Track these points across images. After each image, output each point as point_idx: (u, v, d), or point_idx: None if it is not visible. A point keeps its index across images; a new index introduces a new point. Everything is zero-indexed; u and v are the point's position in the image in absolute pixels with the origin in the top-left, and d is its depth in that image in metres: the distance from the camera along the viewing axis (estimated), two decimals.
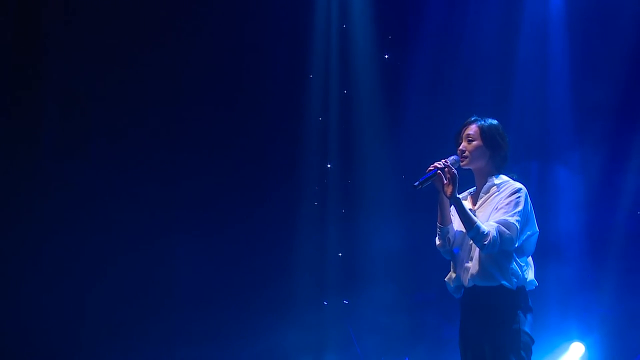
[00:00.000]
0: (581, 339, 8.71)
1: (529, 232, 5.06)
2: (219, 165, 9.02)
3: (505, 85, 8.99)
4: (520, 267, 5.02)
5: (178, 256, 8.87)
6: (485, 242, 4.90)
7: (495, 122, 5.22)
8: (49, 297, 8.48)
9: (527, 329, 5.02)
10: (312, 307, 9.10)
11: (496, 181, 5.13)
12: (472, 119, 5.23)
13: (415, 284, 9.11)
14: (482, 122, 5.19)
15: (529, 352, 5.03)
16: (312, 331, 9.01)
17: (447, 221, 5.15)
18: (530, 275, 5.09)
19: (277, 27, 9.17)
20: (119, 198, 8.71)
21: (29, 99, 8.65)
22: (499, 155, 5.17)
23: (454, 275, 5.18)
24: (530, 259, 5.13)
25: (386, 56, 9.26)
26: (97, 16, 8.76)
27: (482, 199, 5.15)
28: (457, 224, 5.14)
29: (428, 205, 8.28)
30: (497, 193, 5.08)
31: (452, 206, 5.13)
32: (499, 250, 4.94)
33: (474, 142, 5.13)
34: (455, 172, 5.02)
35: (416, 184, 4.98)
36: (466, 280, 5.07)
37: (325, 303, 9.11)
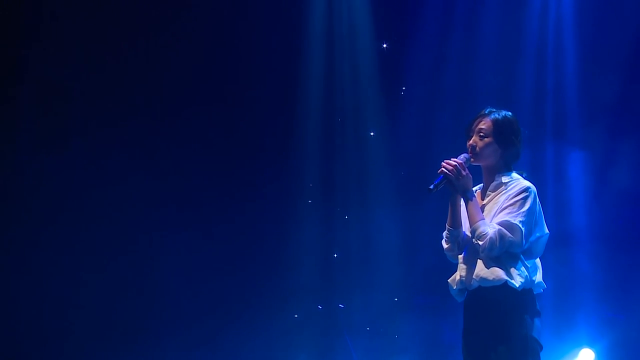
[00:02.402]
0: (590, 345, 8.67)
1: (538, 234, 4.96)
2: (208, 161, 8.98)
3: (508, 78, 8.99)
4: (527, 268, 4.92)
5: (165, 255, 8.84)
6: (481, 243, 4.84)
7: (510, 115, 5.09)
8: (29, 299, 8.53)
9: (535, 334, 4.91)
10: (305, 309, 9.09)
11: (504, 179, 5.03)
12: (486, 111, 5.08)
13: (414, 287, 9.10)
14: (497, 116, 5.05)
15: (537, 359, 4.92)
16: (305, 334, 9.00)
17: (457, 224, 5.04)
18: (537, 277, 5.00)
19: (271, 16, 9.15)
20: (102, 195, 8.69)
21: (6, 91, 8.63)
22: (510, 153, 5.06)
23: (458, 277, 5.07)
24: (538, 261, 5.03)
25: (384, 45, 9.20)
26: (80, 5, 8.77)
27: (489, 197, 5.05)
28: (466, 227, 5.06)
29: (428, 204, 8.54)
30: (505, 191, 4.99)
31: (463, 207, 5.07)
32: (499, 253, 4.85)
33: (486, 139, 5.01)
34: (468, 172, 4.97)
35: (431, 187, 4.93)
36: (470, 281, 4.97)
37: (319, 307, 9.09)
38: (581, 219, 8.73)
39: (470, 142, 5.05)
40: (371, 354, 8.99)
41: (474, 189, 5.08)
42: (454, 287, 5.08)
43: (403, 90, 9.15)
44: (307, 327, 9.03)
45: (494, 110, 5.07)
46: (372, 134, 9.21)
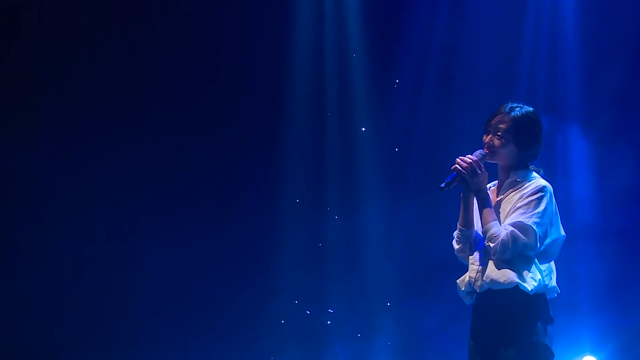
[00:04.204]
0: (594, 352, 8.61)
1: (554, 236, 4.93)
2: (193, 157, 8.92)
3: (507, 70, 8.93)
4: (541, 272, 4.87)
5: (147, 252, 8.80)
6: (492, 245, 4.79)
7: (531, 113, 5.00)
8: (6, 297, 8.53)
9: (546, 341, 4.87)
10: (292, 311, 9.04)
11: (520, 177, 4.98)
12: (507, 108, 5.00)
13: (408, 290, 9.01)
14: (517, 115, 4.96)
15: None
16: (292, 337, 8.97)
17: (470, 224, 5.00)
18: (551, 281, 4.96)
19: (258, 8, 9.10)
20: (76, 191, 8.66)
21: None
22: (529, 154, 5.02)
23: (467, 278, 5.01)
24: (552, 264, 4.99)
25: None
26: None
27: (504, 195, 5.00)
28: (478, 226, 5.03)
29: (424, 203, 8.58)
30: (519, 190, 4.94)
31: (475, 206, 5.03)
32: (512, 256, 4.81)
33: (504, 140, 4.95)
34: (484, 169, 4.92)
35: (442, 185, 4.89)
36: (480, 283, 4.92)
37: (307, 312, 9.05)
38: (584, 218, 8.66)
39: (487, 139, 4.98)
40: None
41: (487, 185, 5.03)
42: (462, 289, 5.03)
43: (396, 83, 9.08)
44: (294, 330, 8.99)
45: (516, 106, 4.99)
46: (363, 129, 9.14)
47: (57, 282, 8.54)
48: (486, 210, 4.86)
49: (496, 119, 4.96)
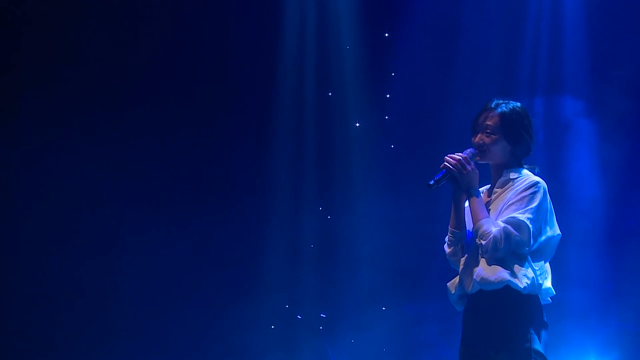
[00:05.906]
0: (599, 358, 8.53)
1: (549, 234, 4.84)
2: (180, 154, 8.91)
3: (511, 63, 8.90)
4: (535, 270, 4.78)
5: (131, 257, 8.80)
6: (484, 243, 4.73)
7: (519, 108, 4.97)
8: None
9: (540, 348, 4.77)
10: (283, 318, 9.02)
11: (512, 175, 4.94)
12: (493, 104, 4.95)
13: (403, 293, 8.94)
14: (504, 109, 4.92)
15: None
16: (283, 346, 8.94)
17: (461, 225, 4.94)
18: (545, 283, 4.87)
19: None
20: (63, 192, 8.64)
21: None
22: (521, 148, 4.97)
23: (457, 280, 4.96)
24: (547, 265, 4.91)
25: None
26: None
27: (496, 194, 4.95)
28: (470, 227, 4.98)
29: (420, 203, 8.50)
30: (512, 187, 4.89)
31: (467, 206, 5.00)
32: (504, 254, 4.73)
33: (494, 136, 4.91)
34: (474, 166, 4.89)
35: (431, 182, 4.86)
36: (470, 285, 4.85)
37: (299, 317, 9.01)
38: (588, 219, 8.58)
39: (477, 139, 4.94)
40: None
41: (480, 189, 4.97)
42: (453, 292, 4.97)
43: (392, 77, 9.03)
44: (285, 335, 8.96)
45: (501, 102, 4.96)
46: (357, 125, 9.10)
47: (45, 284, 8.54)
48: (477, 208, 4.81)
49: (482, 116, 4.93)
